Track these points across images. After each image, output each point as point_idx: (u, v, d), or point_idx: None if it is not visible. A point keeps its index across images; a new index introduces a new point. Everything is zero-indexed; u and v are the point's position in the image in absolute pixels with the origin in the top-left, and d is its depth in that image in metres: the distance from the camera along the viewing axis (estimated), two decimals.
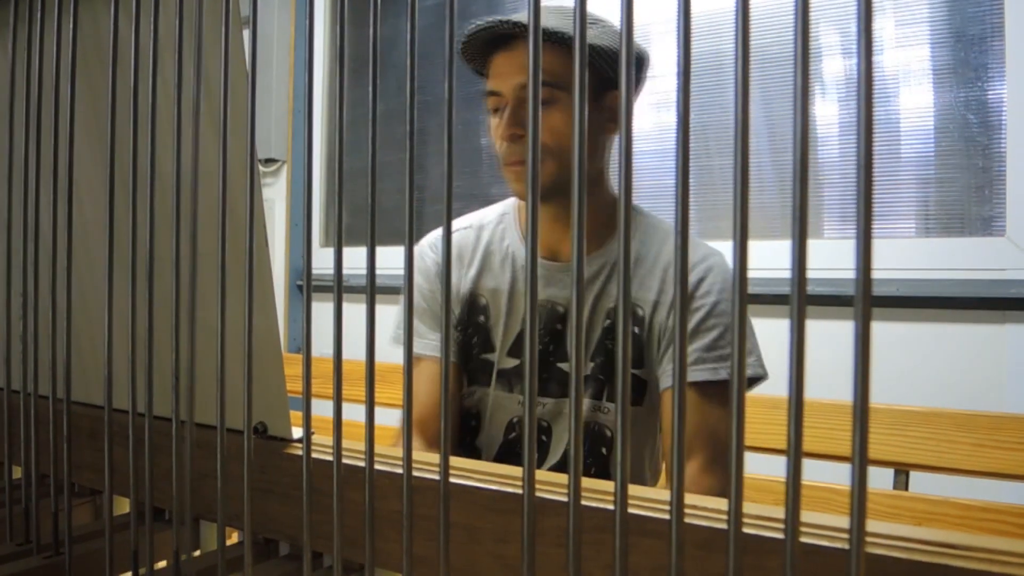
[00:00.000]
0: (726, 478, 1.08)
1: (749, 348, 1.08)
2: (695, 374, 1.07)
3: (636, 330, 1.11)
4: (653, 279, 1.13)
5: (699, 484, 1.04)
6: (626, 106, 0.35)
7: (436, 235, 1.26)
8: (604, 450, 1.16)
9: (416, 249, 1.22)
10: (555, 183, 1.08)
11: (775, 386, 0.89)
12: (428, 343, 1.20)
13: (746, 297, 0.32)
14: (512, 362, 1.18)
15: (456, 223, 1.26)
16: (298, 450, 0.62)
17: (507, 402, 1.19)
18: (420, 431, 1.18)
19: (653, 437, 1.19)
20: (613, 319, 1.13)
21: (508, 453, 1.19)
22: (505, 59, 1.09)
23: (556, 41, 1.02)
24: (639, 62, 1.11)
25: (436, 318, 1.21)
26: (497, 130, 1.10)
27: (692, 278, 1.09)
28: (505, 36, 1.08)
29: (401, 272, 0.45)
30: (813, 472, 1.07)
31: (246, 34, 0.52)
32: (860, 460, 0.30)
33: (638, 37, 1.95)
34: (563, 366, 1.15)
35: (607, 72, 1.06)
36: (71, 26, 0.64)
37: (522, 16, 1.06)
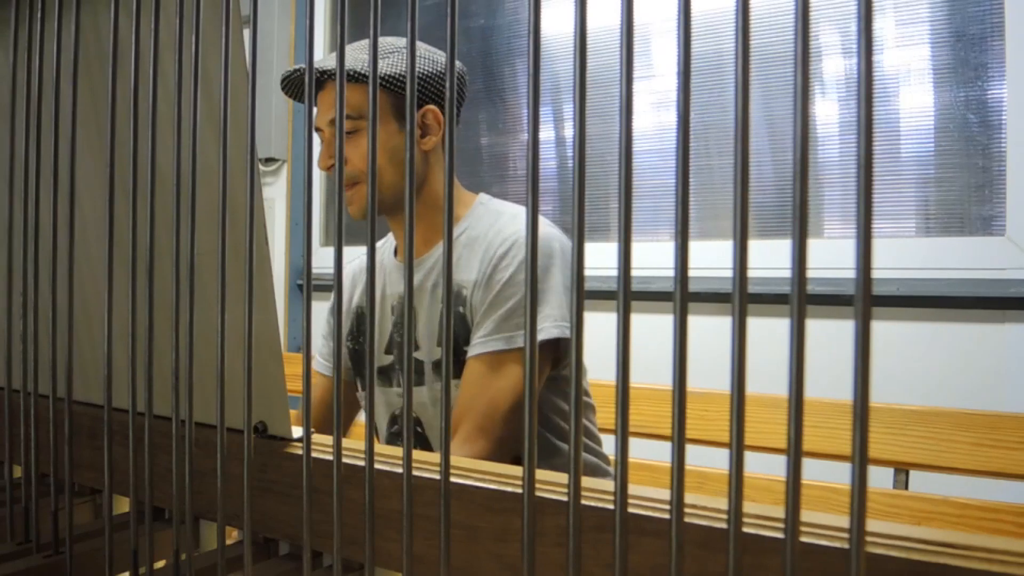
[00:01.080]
0: (489, 446, 1.11)
1: (548, 312, 1.11)
2: (490, 344, 1.12)
3: (460, 309, 1.17)
4: (475, 259, 1.18)
5: (459, 453, 1.05)
6: (626, 110, 0.35)
7: (358, 265, 1.40)
8: (418, 429, 1.26)
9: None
10: (377, 202, 1.16)
11: (775, 385, 0.88)
12: (319, 358, 1.40)
13: (746, 298, 0.32)
14: (387, 359, 1.27)
15: (357, 251, 1.37)
16: (298, 449, 0.62)
17: (388, 396, 1.28)
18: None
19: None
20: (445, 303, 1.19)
21: (392, 445, 1.27)
22: (320, 98, 1.23)
23: (356, 79, 1.16)
24: (435, 76, 1.22)
25: (329, 337, 1.40)
26: (322, 161, 1.24)
27: (500, 251, 1.15)
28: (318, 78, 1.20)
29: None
30: (813, 471, 1.07)
31: (246, 34, 0.52)
32: (860, 459, 0.30)
33: (637, 36, 1.96)
34: (417, 355, 1.23)
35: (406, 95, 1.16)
36: (72, 26, 0.64)
37: (324, 62, 1.17)
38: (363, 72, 1.16)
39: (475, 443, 1.09)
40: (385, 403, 1.29)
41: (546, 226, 1.19)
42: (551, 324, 1.12)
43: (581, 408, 0.38)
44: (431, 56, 1.23)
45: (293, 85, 1.23)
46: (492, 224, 1.20)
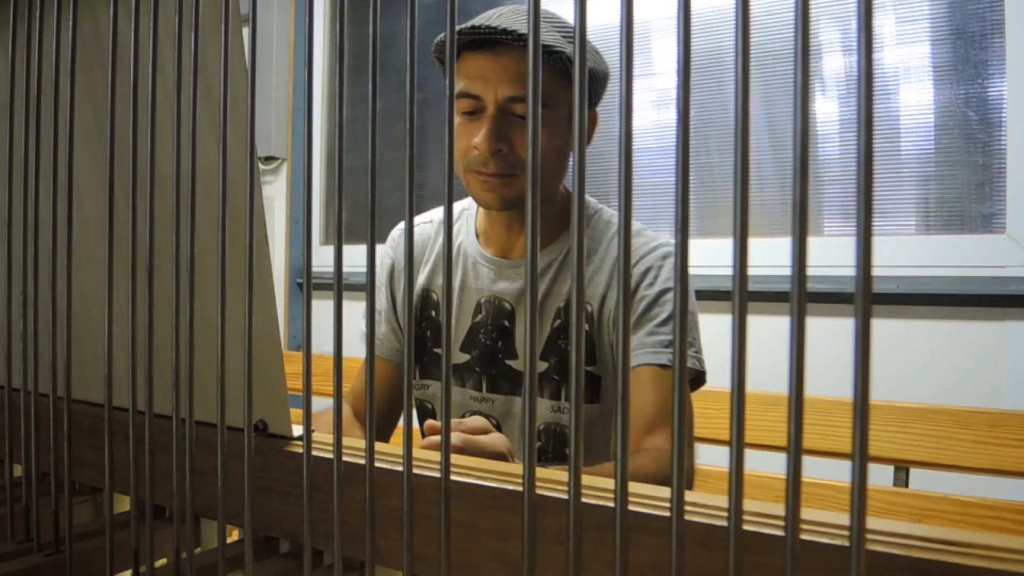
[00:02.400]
0: (691, 451, 1.02)
1: (689, 340, 1.08)
2: (641, 357, 1.08)
3: (586, 327, 1.11)
4: (601, 275, 1.13)
5: (669, 456, 1.03)
6: (626, 107, 0.35)
7: (398, 229, 1.29)
8: (567, 450, 1.16)
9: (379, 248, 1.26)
10: (523, 194, 1.08)
11: (776, 383, 0.89)
12: (378, 342, 1.25)
13: (746, 296, 0.32)
14: (463, 357, 1.19)
15: (420, 217, 1.29)
16: (298, 448, 0.62)
17: (458, 396, 1.21)
18: (358, 415, 1.27)
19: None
20: (563, 317, 1.13)
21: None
22: (487, 63, 1.04)
23: (545, 57, 1.00)
24: (602, 77, 1.11)
25: (384, 318, 1.28)
26: (468, 135, 1.06)
27: (639, 269, 1.10)
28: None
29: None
30: (813, 469, 1.07)
31: (246, 32, 0.52)
32: (860, 457, 0.30)
33: (637, 35, 1.94)
34: (512, 363, 1.16)
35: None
36: (71, 24, 0.64)
37: (505, 19, 1.03)
38: (553, 48, 1.00)
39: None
40: (455, 404, 1.21)
41: (667, 244, 1.13)
42: (692, 352, 1.09)
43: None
44: (598, 56, 1.10)
45: (457, 48, 1.05)
46: (613, 236, 1.14)
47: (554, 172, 1.09)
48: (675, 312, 0.33)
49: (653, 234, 1.16)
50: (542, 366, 1.13)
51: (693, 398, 1.19)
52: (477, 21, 1.03)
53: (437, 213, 1.28)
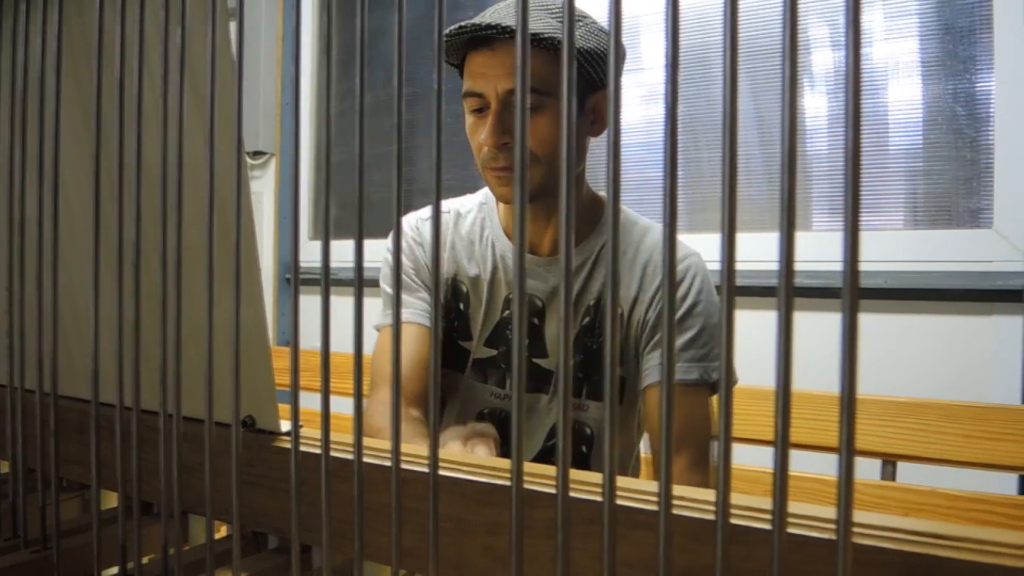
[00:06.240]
0: (705, 479, 1.02)
1: (715, 353, 1.08)
2: (692, 371, 1.08)
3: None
4: (632, 276, 1.13)
5: (686, 482, 1.04)
6: (615, 102, 0.35)
7: (416, 216, 1.24)
8: (584, 448, 1.16)
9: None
10: (541, 187, 1.08)
11: (763, 378, 0.89)
12: (412, 310, 1.18)
13: (734, 291, 0.32)
14: (488, 352, 1.18)
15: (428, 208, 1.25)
16: (286, 443, 0.62)
17: (480, 392, 1.19)
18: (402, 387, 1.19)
19: (631, 433, 1.19)
20: (592, 315, 1.13)
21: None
22: (486, 60, 1.05)
23: (542, 45, 1.00)
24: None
25: (419, 287, 1.20)
26: (477, 133, 1.07)
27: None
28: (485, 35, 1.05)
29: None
30: (802, 463, 1.07)
31: (233, 26, 0.52)
32: (847, 451, 0.30)
33: (625, 30, 1.94)
34: (539, 361, 1.15)
35: (590, 73, 1.05)
36: (57, 18, 0.63)
37: (500, 16, 1.03)
38: (552, 37, 1.00)
39: (699, 473, 1.06)
40: (475, 399, 1.20)
41: (695, 255, 1.13)
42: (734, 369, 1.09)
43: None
44: (605, 36, 1.06)
45: (450, 45, 1.07)
46: (640, 237, 1.15)
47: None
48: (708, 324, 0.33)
49: (680, 239, 1.15)
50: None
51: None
52: (477, 19, 1.04)
53: (451, 204, 1.26)
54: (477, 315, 1.18)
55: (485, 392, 1.19)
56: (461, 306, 1.20)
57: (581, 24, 1.06)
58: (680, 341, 1.08)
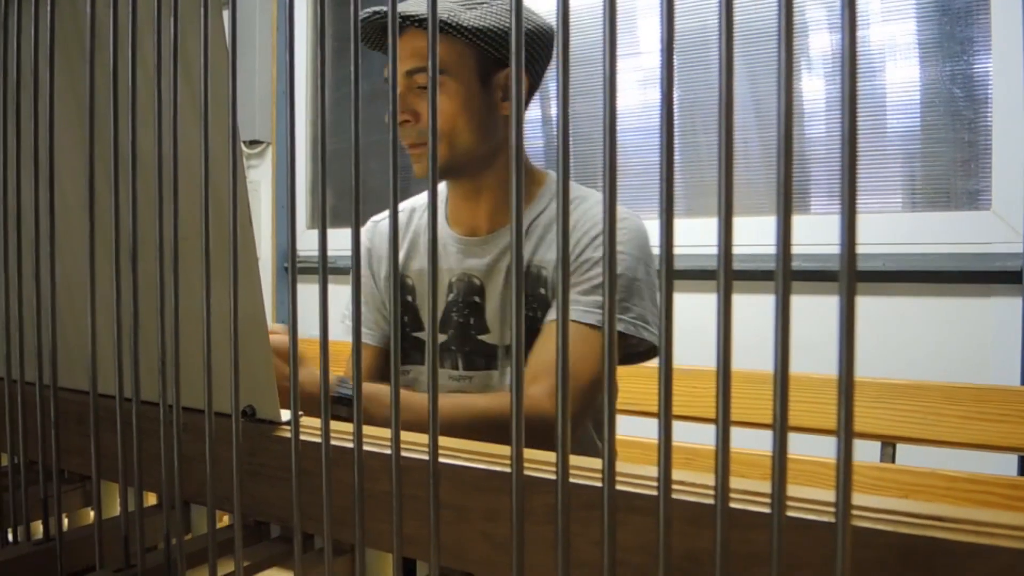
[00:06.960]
0: (577, 406, 1.00)
1: (627, 306, 1.08)
2: (585, 316, 1.07)
3: (542, 291, 1.13)
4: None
5: (539, 407, 1.01)
6: (563, 83, 0.35)
7: (371, 221, 1.31)
8: None
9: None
10: (448, 164, 1.12)
11: (761, 361, 0.89)
12: (364, 328, 1.24)
13: (731, 274, 0.32)
14: (440, 338, 1.20)
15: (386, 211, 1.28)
16: (286, 432, 0.62)
17: (439, 377, 1.20)
18: None
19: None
20: (528, 284, 1.14)
21: None
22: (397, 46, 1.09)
23: (443, 29, 1.06)
24: (536, 38, 1.13)
25: (368, 302, 1.27)
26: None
27: (593, 231, 1.11)
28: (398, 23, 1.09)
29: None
30: (802, 447, 1.08)
31: (227, 14, 0.52)
32: (846, 433, 0.30)
33: (621, 13, 1.93)
34: (483, 338, 1.17)
35: (494, 52, 1.09)
36: (49, 8, 0.63)
37: (406, 6, 1.09)
38: (450, 22, 1.07)
39: (555, 401, 1.05)
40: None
41: (633, 217, 1.14)
42: (653, 328, 1.09)
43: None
44: (507, 15, 1.13)
45: (374, 32, 1.14)
46: (576, 207, 1.16)
47: (468, 136, 1.11)
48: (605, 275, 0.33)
49: (621, 208, 1.16)
50: (506, 335, 1.14)
51: (644, 371, 1.20)
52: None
53: (411, 201, 1.30)
54: (424, 305, 1.21)
55: (443, 377, 1.21)
56: (408, 298, 1.23)
57: (481, 7, 1.10)
58: (590, 284, 1.09)
